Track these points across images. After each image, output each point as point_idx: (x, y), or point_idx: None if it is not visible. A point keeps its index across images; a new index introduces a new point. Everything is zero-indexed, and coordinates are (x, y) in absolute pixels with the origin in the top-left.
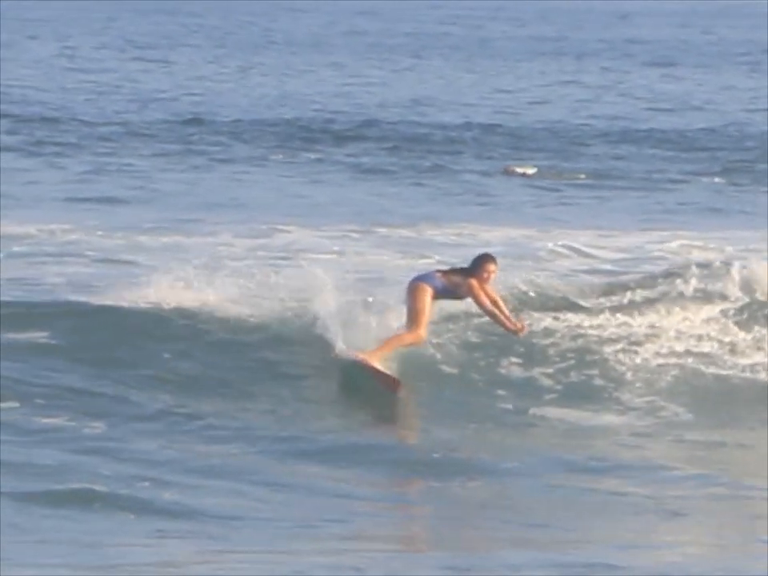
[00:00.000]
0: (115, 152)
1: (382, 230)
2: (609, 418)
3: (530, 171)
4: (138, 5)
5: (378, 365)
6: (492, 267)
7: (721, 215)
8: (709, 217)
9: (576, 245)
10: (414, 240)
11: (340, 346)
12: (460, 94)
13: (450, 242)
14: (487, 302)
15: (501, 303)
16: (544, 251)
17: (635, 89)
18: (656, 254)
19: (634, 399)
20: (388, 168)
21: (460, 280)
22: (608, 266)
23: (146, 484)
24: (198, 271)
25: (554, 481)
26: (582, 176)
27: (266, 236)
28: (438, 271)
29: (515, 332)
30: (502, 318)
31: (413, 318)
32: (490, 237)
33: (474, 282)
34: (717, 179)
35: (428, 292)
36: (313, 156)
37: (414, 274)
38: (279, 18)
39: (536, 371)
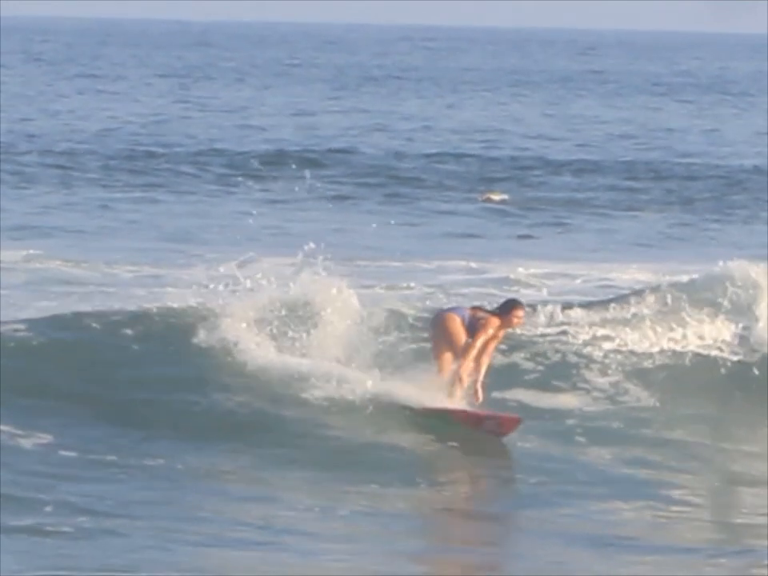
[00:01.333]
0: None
1: (358, 262)
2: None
3: (502, 197)
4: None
5: (476, 409)
6: (521, 313)
7: (679, 244)
8: (664, 246)
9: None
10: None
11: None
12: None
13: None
14: (475, 350)
15: (484, 369)
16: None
17: (595, 118)
18: (612, 282)
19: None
20: (356, 196)
21: (484, 316)
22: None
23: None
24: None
25: None
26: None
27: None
28: (470, 308)
29: (476, 395)
30: (468, 381)
31: (457, 347)
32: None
33: (495, 320)
34: (672, 210)
35: (457, 321)
36: (279, 185)
37: (441, 308)
38: (239, 49)
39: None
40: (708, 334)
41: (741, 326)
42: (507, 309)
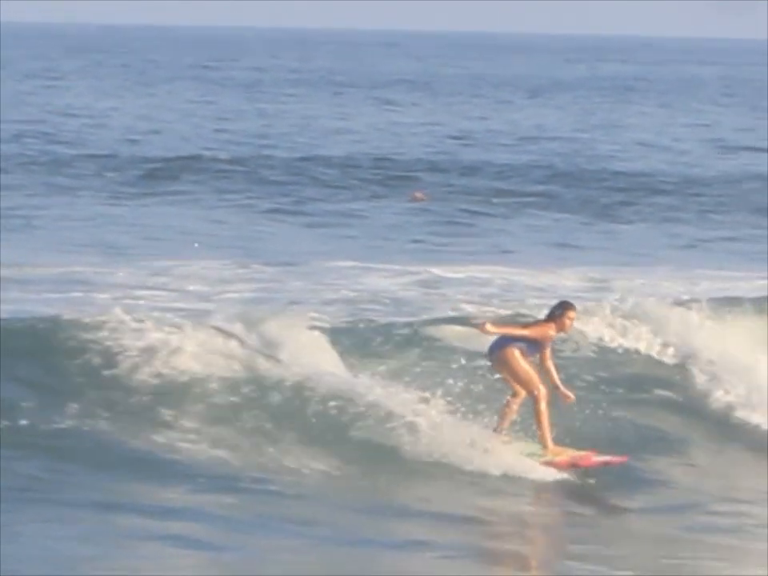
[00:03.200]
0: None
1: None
2: None
3: (426, 197)
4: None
5: (584, 458)
6: (573, 314)
7: (576, 250)
8: (560, 250)
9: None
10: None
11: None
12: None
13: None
14: (529, 334)
15: (554, 371)
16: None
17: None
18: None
19: None
20: (279, 203)
21: (539, 330)
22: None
23: None
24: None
25: None
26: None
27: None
28: (514, 331)
29: (566, 396)
30: (554, 380)
31: (524, 384)
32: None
33: (550, 325)
34: (579, 214)
35: (515, 353)
36: (200, 192)
37: (491, 343)
38: (159, 51)
39: None
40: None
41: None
42: (560, 312)
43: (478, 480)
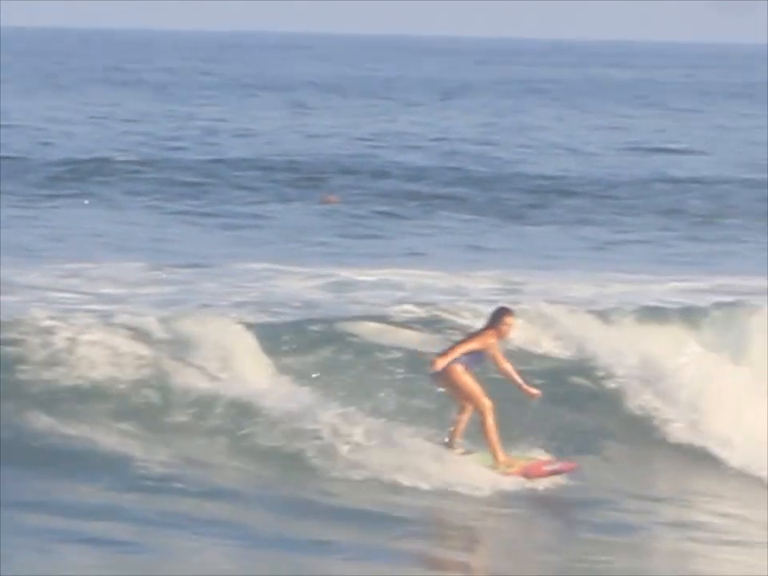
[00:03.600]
0: None
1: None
2: None
3: (337, 200)
4: None
5: (534, 467)
6: (510, 320)
7: (481, 252)
8: (468, 253)
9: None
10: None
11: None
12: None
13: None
14: (472, 347)
15: (512, 369)
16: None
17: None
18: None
19: None
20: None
21: (480, 340)
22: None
23: None
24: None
25: None
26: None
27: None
28: (455, 346)
29: (531, 394)
30: (516, 381)
31: (469, 399)
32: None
33: (489, 332)
34: (487, 216)
35: (457, 370)
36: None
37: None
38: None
39: None
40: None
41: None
42: (497, 318)
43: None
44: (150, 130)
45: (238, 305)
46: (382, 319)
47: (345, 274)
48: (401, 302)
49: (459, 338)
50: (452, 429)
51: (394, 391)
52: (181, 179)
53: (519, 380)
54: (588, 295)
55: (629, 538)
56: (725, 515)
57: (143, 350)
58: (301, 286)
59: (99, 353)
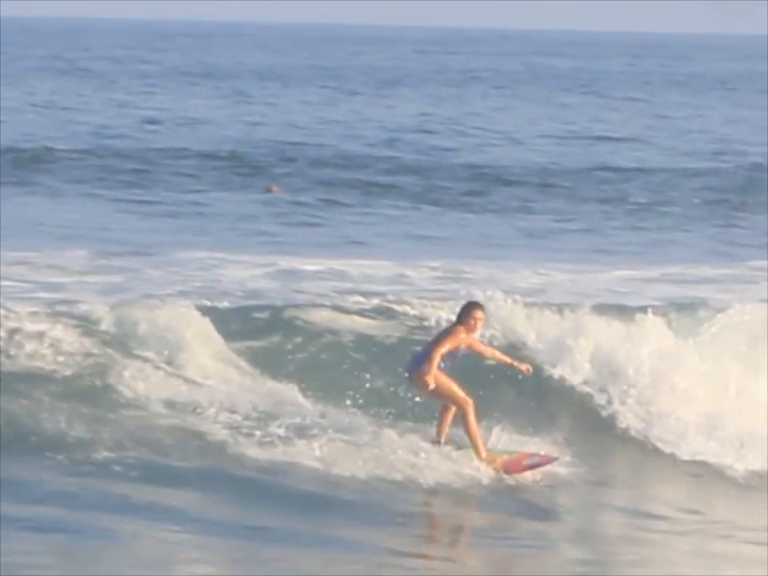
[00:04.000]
0: None
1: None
2: None
3: (278, 189)
4: None
5: (514, 463)
6: (479, 314)
7: (423, 241)
8: (408, 242)
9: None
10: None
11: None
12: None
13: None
14: (447, 346)
15: (494, 351)
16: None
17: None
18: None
19: None
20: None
21: (452, 339)
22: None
23: None
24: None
25: None
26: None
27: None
28: (431, 348)
29: (523, 369)
30: (504, 360)
31: (448, 399)
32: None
33: (459, 329)
34: (419, 203)
35: (442, 376)
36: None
37: (409, 362)
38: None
39: None
40: None
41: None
42: (466, 313)
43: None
44: (91, 118)
45: (183, 293)
46: (331, 307)
47: (288, 263)
48: (347, 292)
49: (429, 338)
50: (438, 426)
51: (345, 376)
52: (122, 167)
53: (507, 359)
54: (534, 285)
55: (576, 525)
56: (674, 503)
57: (88, 337)
58: (245, 274)
59: (44, 341)
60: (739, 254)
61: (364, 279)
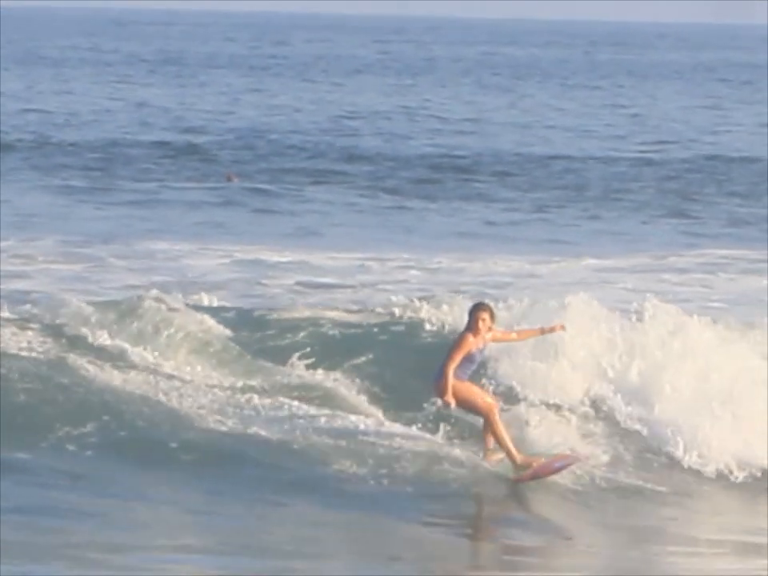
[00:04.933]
0: None
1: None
2: None
3: (238, 179)
4: None
5: (539, 462)
6: (483, 315)
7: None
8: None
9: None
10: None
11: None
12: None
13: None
14: (460, 357)
15: (521, 334)
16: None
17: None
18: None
19: None
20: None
21: (463, 346)
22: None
23: None
24: None
25: None
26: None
27: None
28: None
29: (554, 329)
30: (534, 333)
31: (471, 409)
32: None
33: (466, 335)
34: (383, 194)
35: (461, 386)
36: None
37: (433, 380)
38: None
39: None
40: None
41: None
42: (470, 317)
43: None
44: (46, 108)
45: (155, 284)
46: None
47: (251, 254)
48: (314, 285)
49: (445, 349)
50: (484, 433)
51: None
52: (78, 157)
53: (537, 331)
54: (507, 277)
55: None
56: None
57: (53, 329)
58: (211, 264)
59: (5, 332)
60: (700, 243)
61: (328, 271)
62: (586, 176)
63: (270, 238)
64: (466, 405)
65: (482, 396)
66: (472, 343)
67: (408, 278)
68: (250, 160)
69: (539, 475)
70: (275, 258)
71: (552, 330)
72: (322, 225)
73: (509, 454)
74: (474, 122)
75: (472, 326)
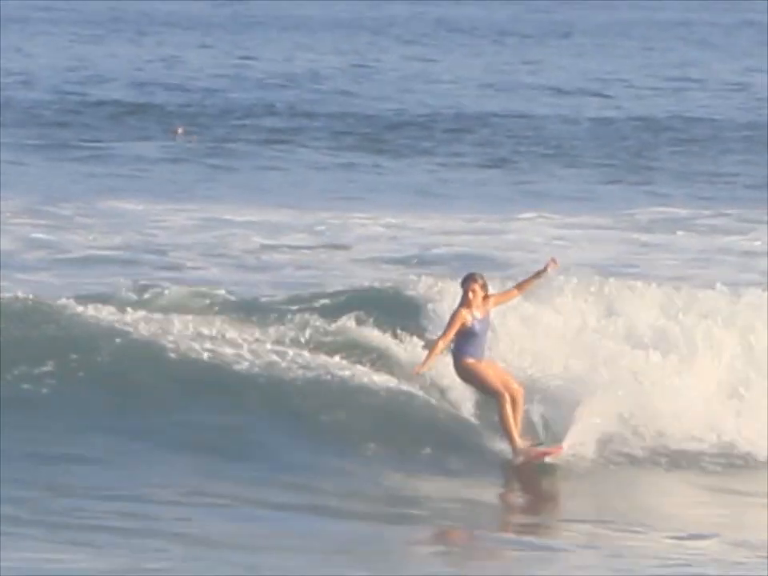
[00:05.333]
0: None
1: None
2: None
3: (185, 132)
4: None
5: (534, 447)
6: (474, 286)
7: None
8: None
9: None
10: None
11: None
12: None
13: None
14: (452, 332)
15: (521, 287)
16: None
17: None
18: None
19: None
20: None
21: (457, 320)
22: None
23: None
24: None
25: None
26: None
27: None
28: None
29: (546, 268)
30: (531, 280)
31: (481, 390)
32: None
33: (458, 310)
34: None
35: (467, 364)
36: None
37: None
38: None
39: None
40: None
41: None
42: (463, 290)
43: None
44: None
45: (118, 246)
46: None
47: (214, 213)
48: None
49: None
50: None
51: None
52: (30, 115)
53: (533, 277)
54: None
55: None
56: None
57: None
58: (177, 225)
59: None
60: (658, 201)
61: (286, 230)
62: (541, 133)
63: (228, 196)
64: (474, 385)
65: (502, 379)
66: (465, 316)
67: (386, 243)
68: (199, 118)
69: (534, 461)
70: (240, 217)
71: (544, 269)
72: (275, 183)
73: (511, 440)
74: (431, 80)
75: (464, 299)
